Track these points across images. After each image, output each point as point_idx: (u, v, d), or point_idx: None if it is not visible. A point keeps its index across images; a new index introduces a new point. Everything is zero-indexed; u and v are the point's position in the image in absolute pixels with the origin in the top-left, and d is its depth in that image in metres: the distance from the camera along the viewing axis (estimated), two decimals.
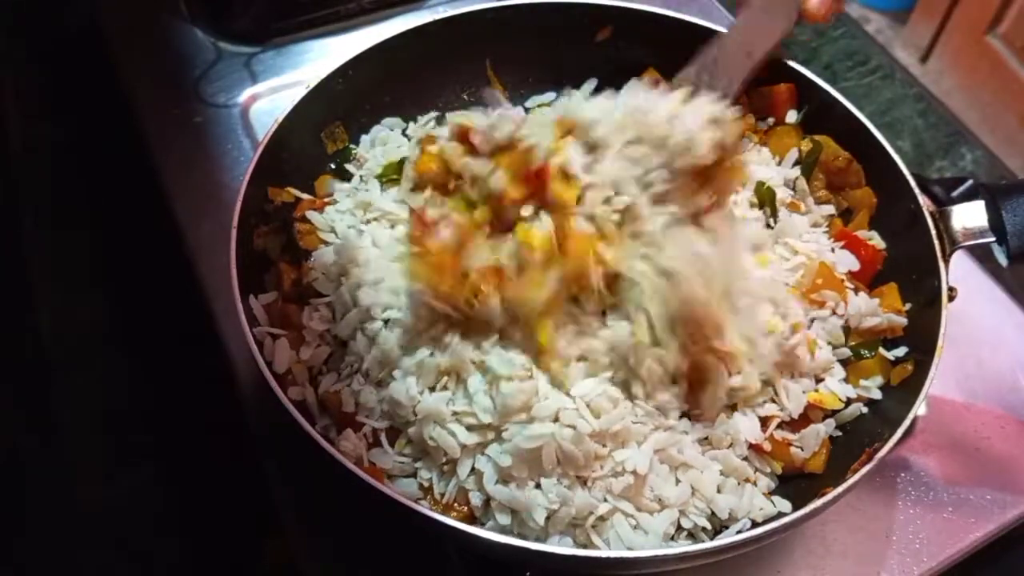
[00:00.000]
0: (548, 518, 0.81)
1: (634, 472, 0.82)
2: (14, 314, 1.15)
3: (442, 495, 0.84)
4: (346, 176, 1.06)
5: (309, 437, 0.77)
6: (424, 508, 0.76)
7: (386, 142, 1.09)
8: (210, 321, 1.01)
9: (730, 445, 0.87)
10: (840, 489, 0.78)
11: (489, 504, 0.83)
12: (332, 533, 0.90)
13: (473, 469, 0.84)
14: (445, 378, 0.86)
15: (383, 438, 0.86)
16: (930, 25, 2.56)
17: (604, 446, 0.83)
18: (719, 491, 0.85)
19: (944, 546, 0.92)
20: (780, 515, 0.84)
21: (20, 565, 0.98)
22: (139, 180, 1.16)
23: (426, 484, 0.85)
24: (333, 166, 1.07)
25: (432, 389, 0.87)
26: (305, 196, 1.02)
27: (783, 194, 1.03)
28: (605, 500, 0.82)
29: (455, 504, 0.84)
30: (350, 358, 0.90)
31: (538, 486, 0.82)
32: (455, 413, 0.84)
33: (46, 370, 1.10)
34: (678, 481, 0.85)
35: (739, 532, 0.82)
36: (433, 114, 1.12)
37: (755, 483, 0.87)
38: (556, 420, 0.83)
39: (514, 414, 0.83)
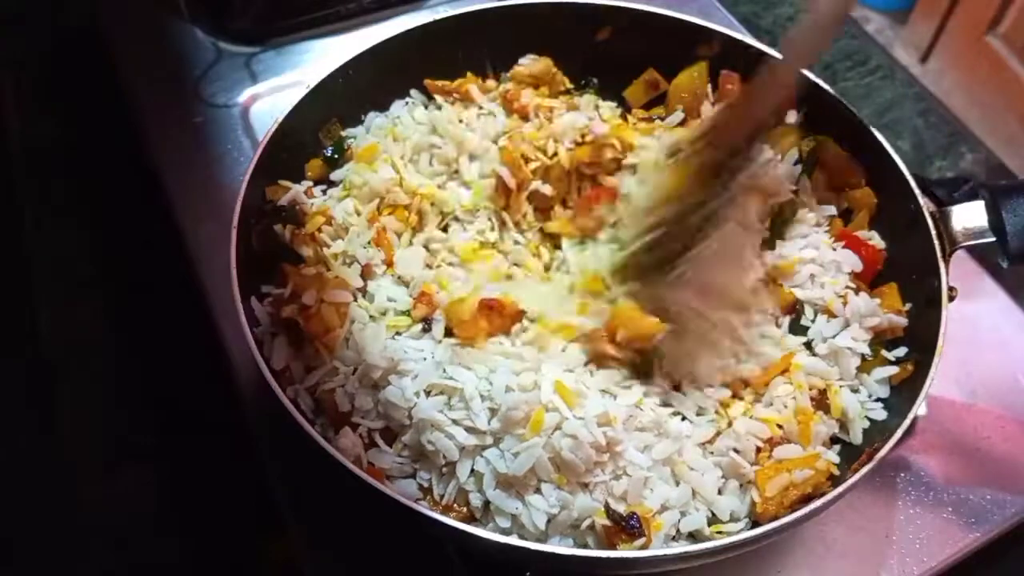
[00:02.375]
0: (549, 521, 0.81)
1: (635, 476, 0.82)
2: (14, 314, 1.15)
3: (441, 496, 0.84)
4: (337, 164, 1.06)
5: (309, 437, 0.77)
6: (425, 508, 0.76)
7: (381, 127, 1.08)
8: (210, 321, 1.01)
9: (734, 449, 0.87)
10: (840, 489, 0.78)
11: (489, 506, 0.83)
12: (332, 533, 0.90)
13: (473, 471, 0.83)
14: (443, 382, 0.86)
15: (378, 438, 0.86)
16: (930, 25, 2.56)
17: (605, 454, 0.83)
18: (720, 493, 0.85)
19: (944, 546, 0.92)
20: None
21: (20, 565, 0.98)
22: (139, 180, 1.16)
23: (425, 485, 0.85)
24: (335, 155, 1.06)
25: (428, 393, 0.86)
26: (298, 186, 1.01)
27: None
28: (606, 503, 0.82)
29: (455, 505, 0.84)
30: (349, 354, 0.90)
31: (538, 490, 0.82)
32: (453, 420, 0.84)
33: (46, 370, 1.10)
34: (678, 483, 0.85)
35: (739, 532, 0.82)
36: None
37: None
38: (558, 429, 0.82)
39: (515, 426, 0.82)
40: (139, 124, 1.19)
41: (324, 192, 1.04)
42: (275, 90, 1.23)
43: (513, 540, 0.76)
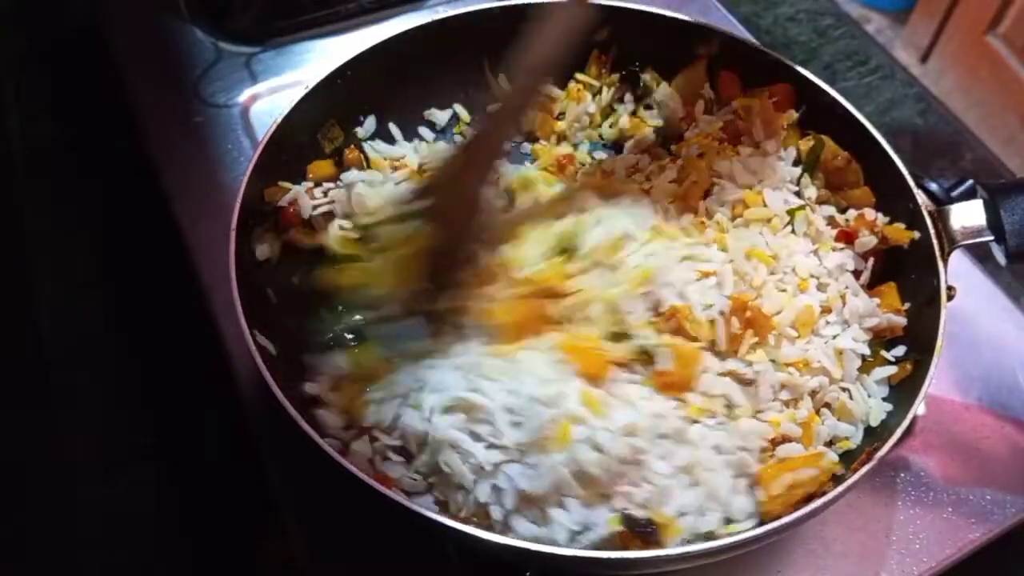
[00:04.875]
0: (571, 538, 0.80)
1: (659, 484, 0.82)
2: (14, 313, 1.15)
3: (459, 510, 0.83)
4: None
5: (308, 437, 0.77)
6: (422, 508, 0.75)
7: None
8: (210, 321, 1.01)
9: (740, 448, 0.86)
10: (840, 489, 0.78)
11: (509, 519, 0.82)
12: (332, 533, 0.90)
13: (494, 486, 0.82)
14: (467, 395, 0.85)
15: (392, 454, 0.86)
16: (930, 25, 2.57)
17: (626, 463, 0.82)
18: (731, 493, 0.85)
19: (944, 546, 0.92)
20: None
21: (20, 564, 0.98)
22: (139, 180, 1.16)
23: (442, 499, 0.85)
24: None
25: (449, 409, 0.85)
26: (298, 187, 1.02)
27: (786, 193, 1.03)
28: (626, 510, 0.81)
29: (474, 518, 0.83)
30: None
31: (561, 504, 0.81)
32: (474, 433, 0.83)
33: (46, 370, 1.10)
34: (695, 485, 0.84)
35: (740, 532, 0.81)
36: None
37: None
38: (583, 441, 0.81)
39: (541, 440, 0.81)
40: (139, 124, 1.19)
41: (325, 194, 1.04)
42: (275, 90, 1.23)
43: (513, 540, 0.76)
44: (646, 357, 0.89)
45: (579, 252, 0.95)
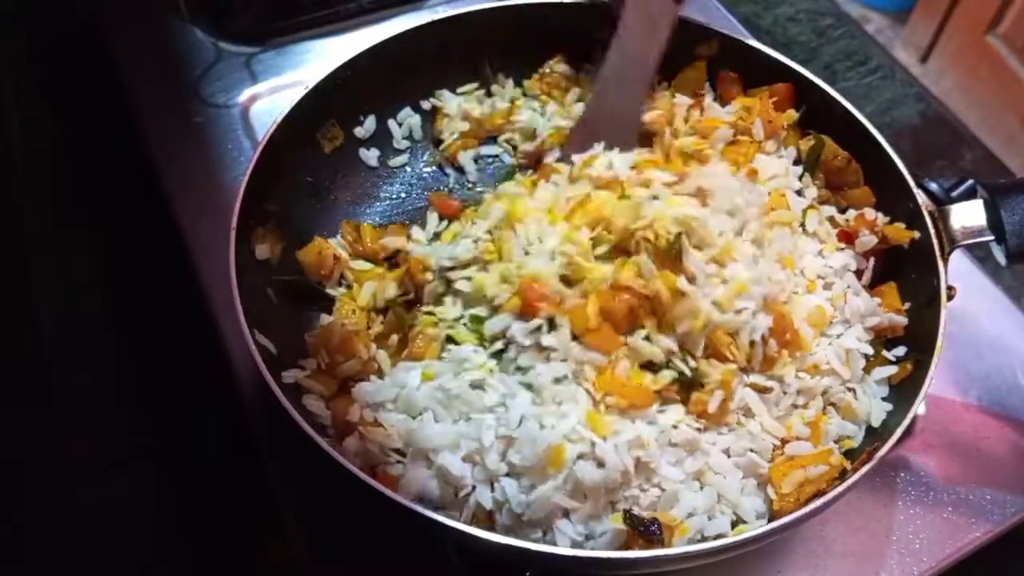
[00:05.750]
0: (574, 544, 0.80)
1: (668, 489, 0.82)
2: (15, 313, 1.15)
3: (460, 514, 0.82)
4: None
5: (308, 438, 0.77)
6: (422, 508, 0.75)
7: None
8: (210, 321, 1.01)
9: (750, 449, 0.86)
10: (840, 489, 0.78)
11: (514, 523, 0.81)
12: (332, 533, 0.90)
13: (493, 498, 0.81)
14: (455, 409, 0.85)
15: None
16: (930, 25, 2.57)
17: (633, 474, 0.81)
18: (741, 493, 0.84)
19: (944, 546, 0.92)
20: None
21: (20, 564, 0.98)
22: (139, 180, 1.16)
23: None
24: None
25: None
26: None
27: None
28: (628, 509, 0.80)
29: (474, 519, 0.82)
30: None
31: (566, 514, 0.81)
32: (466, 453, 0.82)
33: (46, 369, 1.10)
34: (703, 487, 0.84)
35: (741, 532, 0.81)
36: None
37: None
38: (581, 458, 0.80)
39: (547, 465, 0.80)
40: (139, 124, 1.19)
41: None
42: (275, 90, 1.23)
43: (513, 540, 0.76)
44: (678, 386, 0.87)
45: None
